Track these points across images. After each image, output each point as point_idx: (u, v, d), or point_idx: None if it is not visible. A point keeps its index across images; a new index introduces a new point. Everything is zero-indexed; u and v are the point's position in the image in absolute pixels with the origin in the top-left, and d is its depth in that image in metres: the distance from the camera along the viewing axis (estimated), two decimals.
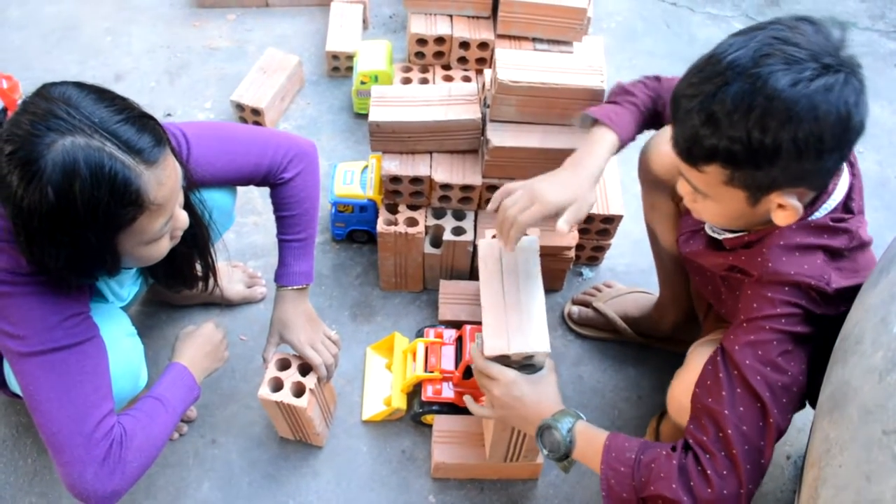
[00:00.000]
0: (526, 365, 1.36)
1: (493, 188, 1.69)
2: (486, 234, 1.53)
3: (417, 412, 1.64)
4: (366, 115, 2.20)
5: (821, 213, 1.16)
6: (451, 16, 1.99)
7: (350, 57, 2.26)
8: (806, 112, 1.00)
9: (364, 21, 2.40)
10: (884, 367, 0.88)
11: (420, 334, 1.69)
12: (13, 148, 1.03)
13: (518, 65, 1.56)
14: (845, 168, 1.19)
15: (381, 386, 1.73)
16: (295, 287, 1.53)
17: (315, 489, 1.61)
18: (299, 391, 1.49)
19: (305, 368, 1.53)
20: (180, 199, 1.20)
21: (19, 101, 2.00)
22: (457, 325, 1.67)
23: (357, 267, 1.95)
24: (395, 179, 1.69)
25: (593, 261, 1.99)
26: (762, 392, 1.11)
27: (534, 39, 1.93)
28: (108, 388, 1.25)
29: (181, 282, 1.50)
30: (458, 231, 1.74)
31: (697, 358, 1.32)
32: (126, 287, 1.46)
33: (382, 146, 1.69)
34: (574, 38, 1.92)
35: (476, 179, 1.68)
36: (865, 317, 0.99)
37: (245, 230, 2.00)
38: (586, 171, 1.36)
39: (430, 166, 1.69)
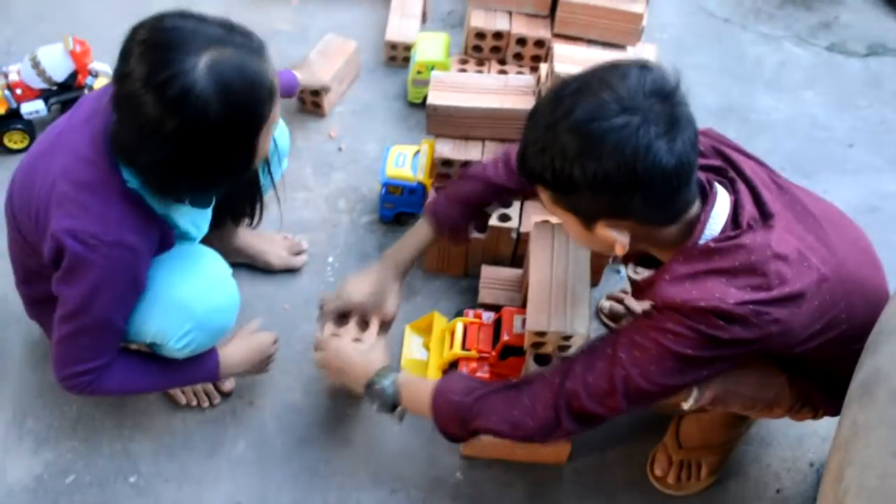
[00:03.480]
0: (563, 347, 1.41)
1: None
2: (532, 219, 1.59)
3: None
4: (419, 104, 2.26)
5: (703, 240, 1.18)
6: (510, 12, 2.05)
7: (407, 48, 2.32)
8: (595, 149, 1.06)
9: (423, 14, 2.46)
10: None
11: (460, 314, 1.74)
12: (159, 92, 1.10)
13: (575, 59, 1.62)
14: (720, 189, 1.21)
15: (418, 363, 1.78)
16: None
17: (347, 455, 1.67)
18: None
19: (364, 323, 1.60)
20: None
21: (90, 66, 2.10)
22: (496, 308, 1.71)
23: None
24: (447, 163, 1.75)
25: None
26: (618, 384, 1.19)
27: (589, 41, 1.98)
28: (107, 349, 1.39)
29: (238, 213, 1.66)
30: (503, 218, 1.78)
31: None
32: (205, 222, 1.53)
33: (438, 129, 1.75)
34: (629, 42, 1.97)
35: None
36: None
37: (295, 205, 2.07)
38: (392, 264, 1.58)
39: (482, 153, 1.75)
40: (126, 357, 1.47)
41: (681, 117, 1.09)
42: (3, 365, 1.75)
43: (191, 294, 1.42)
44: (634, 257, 1.38)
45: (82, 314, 1.31)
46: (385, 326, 1.58)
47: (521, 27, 2.01)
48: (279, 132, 1.66)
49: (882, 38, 2.68)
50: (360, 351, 1.49)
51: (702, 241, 1.18)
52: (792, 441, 1.72)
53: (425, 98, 2.21)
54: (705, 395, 1.28)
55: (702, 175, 1.22)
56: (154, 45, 1.12)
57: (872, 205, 2.18)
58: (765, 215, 1.21)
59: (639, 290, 1.31)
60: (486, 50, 2.07)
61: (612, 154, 1.06)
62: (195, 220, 1.46)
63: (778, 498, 1.65)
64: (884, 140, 2.38)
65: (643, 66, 1.11)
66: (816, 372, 1.35)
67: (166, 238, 1.37)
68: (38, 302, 1.52)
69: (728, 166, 1.26)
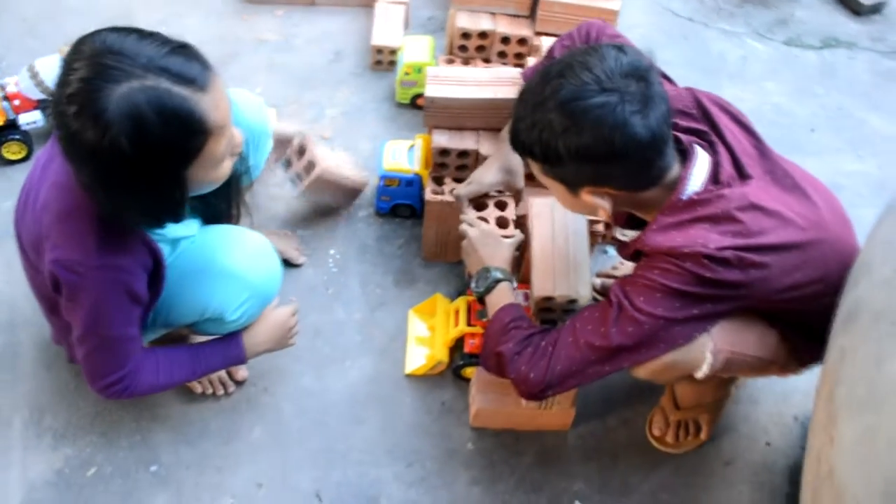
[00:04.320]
0: (568, 310, 1.51)
1: None
2: (531, 200, 1.69)
3: (459, 364, 1.77)
4: (407, 105, 2.37)
5: (685, 195, 1.29)
6: (493, 13, 2.16)
7: (393, 52, 2.42)
8: (577, 125, 1.19)
9: (405, 21, 2.57)
10: (892, 277, 1.02)
11: (462, 294, 1.83)
12: (77, 108, 1.08)
13: None
14: (700, 151, 1.32)
15: (423, 343, 1.86)
16: None
17: (361, 435, 1.74)
18: (503, 224, 1.76)
19: (502, 205, 1.79)
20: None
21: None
22: None
23: (399, 238, 2.09)
24: (444, 152, 1.84)
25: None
26: (612, 312, 1.30)
27: None
28: (128, 357, 1.42)
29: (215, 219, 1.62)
30: (499, 205, 1.88)
31: None
32: (190, 222, 1.54)
33: (434, 121, 1.85)
34: None
35: None
36: (875, 247, 1.14)
37: (294, 202, 2.14)
38: (503, 137, 1.68)
39: (477, 141, 1.85)
40: (153, 355, 1.49)
41: (654, 95, 1.21)
42: (19, 365, 1.79)
43: (244, 264, 1.50)
44: (621, 219, 1.50)
45: (92, 335, 1.36)
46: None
47: (504, 27, 2.12)
48: (258, 112, 1.69)
49: (834, 31, 2.86)
50: (500, 241, 1.63)
51: (684, 197, 1.29)
52: (777, 398, 1.84)
53: (413, 98, 2.33)
54: (718, 361, 1.37)
55: (684, 136, 1.34)
56: (87, 62, 1.09)
57: (837, 183, 2.32)
58: (743, 176, 1.32)
59: (626, 247, 1.42)
60: (471, 49, 2.18)
61: (593, 129, 1.19)
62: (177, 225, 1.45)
63: (767, 450, 1.77)
64: (842, 124, 2.54)
65: (619, 49, 1.23)
66: (799, 325, 1.45)
67: (157, 248, 1.38)
68: (68, 327, 1.52)
69: (711, 130, 1.37)
